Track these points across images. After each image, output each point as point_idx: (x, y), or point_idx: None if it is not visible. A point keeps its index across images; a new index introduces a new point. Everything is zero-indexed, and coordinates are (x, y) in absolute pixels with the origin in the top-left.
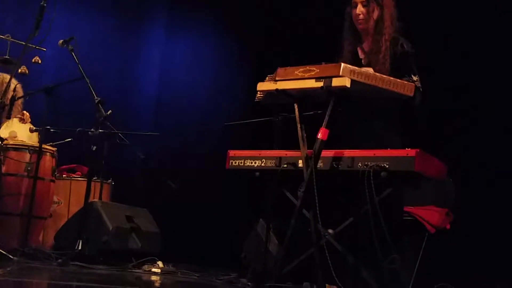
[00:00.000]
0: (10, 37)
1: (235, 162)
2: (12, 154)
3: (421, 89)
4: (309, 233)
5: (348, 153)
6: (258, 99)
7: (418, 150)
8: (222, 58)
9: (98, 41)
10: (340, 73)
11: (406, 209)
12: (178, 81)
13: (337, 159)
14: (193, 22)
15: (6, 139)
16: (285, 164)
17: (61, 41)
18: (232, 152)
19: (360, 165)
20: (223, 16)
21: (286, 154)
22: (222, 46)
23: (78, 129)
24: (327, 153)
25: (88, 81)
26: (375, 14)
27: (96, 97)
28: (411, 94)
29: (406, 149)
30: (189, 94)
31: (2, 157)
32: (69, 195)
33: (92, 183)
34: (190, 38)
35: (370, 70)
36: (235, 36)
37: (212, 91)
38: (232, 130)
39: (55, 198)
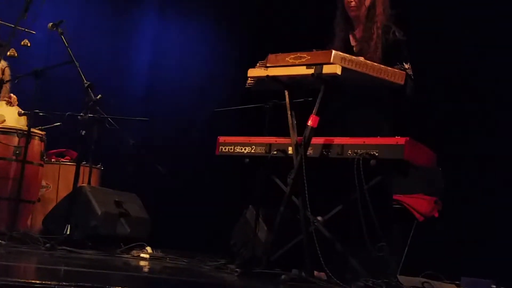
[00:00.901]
0: None
1: (225, 148)
2: (1, 137)
3: (412, 77)
4: (298, 220)
5: (338, 140)
6: (249, 85)
7: (408, 139)
8: (214, 44)
9: (89, 25)
10: (331, 60)
11: (395, 197)
12: (169, 66)
13: (327, 146)
14: (185, 7)
15: None
16: (275, 151)
17: (50, 24)
18: (222, 138)
19: (350, 152)
20: (215, 1)
21: (276, 141)
22: (213, 31)
23: (68, 113)
24: (317, 140)
25: (77, 65)
26: (367, 1)
27: (85, 81)
28: (402, 82)
29: (396, 137)
30: (180, 79)
31: None
32: (58, 179)
33: (81, 168)
34: (182, 23)
35: (361, 58)
36: (226, 22)
37: (203, 76)
38: (223, 116)
39: (43, 183)
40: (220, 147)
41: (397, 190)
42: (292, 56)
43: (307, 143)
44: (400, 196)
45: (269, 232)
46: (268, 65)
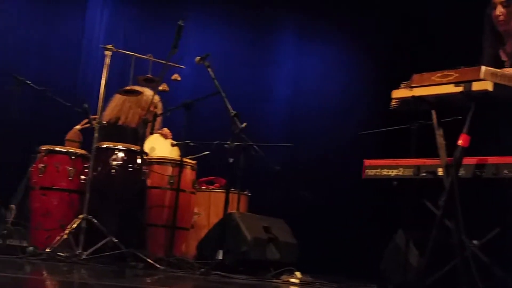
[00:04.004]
0: (152, 56)
1: (371, 172)
2: (156, 167)
3: None
4: (451, 244)
5: (492, 160)
6: (393, 107)
7: None
8: (354, 66)
9: (230, 55)
10: (481, 77)
11: None
12: (310, 91)
13: (480, 166)
14: (324, 31)
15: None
16: (424, 172)
17: (197, 58)
18: (367, 162)
19: (506, 172)
20: (354, 24)
21: (424, 162)
22: (353, 53)
23: (216, 142)
24: (469, 161)
25: (224, 96)
26: None
27: (231, 111)
28: None
29: None
30: (320, 104)
31: (147, 170)
32: (209, 206)
33: (230, 195)
34: (321, 47)
35: None
36: (366, 43)
37: (343, 100)
38: (365, 138)
39: (195, 210)
40: (366, 171)
41: None
42: (439, 74)
43: (458, 164)
44: None
45: (421, 257)
46: (413, 85)
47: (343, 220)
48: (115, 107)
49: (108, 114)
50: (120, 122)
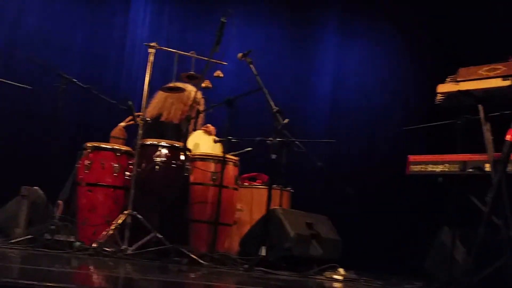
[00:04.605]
0: (194, 53)
1: (416, 167)
2: (199, 164)
3: None
4: (499, 241)
5: None
6: (438, 101)
7: None
8: (396, 60)
9: (272, 52)
10: None
11: None
12: (352, 86)
13: None
14: (365, 26)
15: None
16: (471, 168)
17: (240, 54)
18: (412, 157)
19: None
20: (396, 18)
21: (471, 158)
22: (395, 48)
23: (258, 138)
24: None
25: (266, 92)
26: None
27: (273, 107)
28: None
29: None
30: (362, 99)
31: (190, 167)
32: (251, 202)
33: (272, 191)
34: (362, 41)
35: None
36: (408, 37)
37: (386, 95)
38: (409, 134)
39: (238, 206)
40: (411, 166)
41: None
42: (486, 68)
43: (506, 159)
44: None
45: (468, 254)
46: (459, 79)
47: (386, 216)
48: (157, 104)
49: (150, 110)
50: (162, 119)
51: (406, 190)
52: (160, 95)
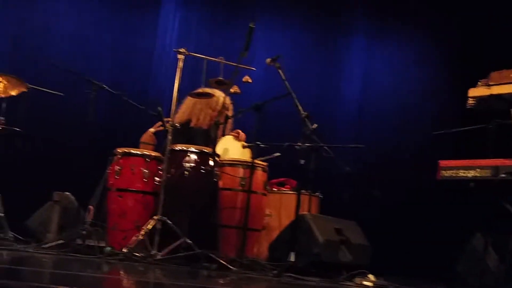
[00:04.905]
0: (223, 59)
1: (447, 173)
2: (228, 169)
3: None
4: None
5: None
6: (470, 105)
7: None
8: (425, 64)
9: (300, 57)
10: None
11: None
12: (380, 91)
13: None
14: (394, 29)
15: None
16: (503, 173)
17: (268, 59)
18: (443, 162)
19: None
20: (425, 21)
21: (503, 163)
22: (424, 51)
23: (286, 143)
24: None
25: (294, 97)
26: None
27: (302, 112)
28: None
29: None
30: (391, 104)
31: (219, 172)
32: (280, 208)
33: (301, 196)
34: (391, 45)
35: None
36: (438, 40)
37: (415, 99)
38: (440, 139)
39: (267, 211)
40: (442, 172)
41: None
42: None
43: None
44: None
45: (500, 261)
46: (491, 83)
47: (417, 222)
48: (186, 110)
49: (179, 116)
50: (191, 124)
51: (437, 196)
52: (189, 100)
